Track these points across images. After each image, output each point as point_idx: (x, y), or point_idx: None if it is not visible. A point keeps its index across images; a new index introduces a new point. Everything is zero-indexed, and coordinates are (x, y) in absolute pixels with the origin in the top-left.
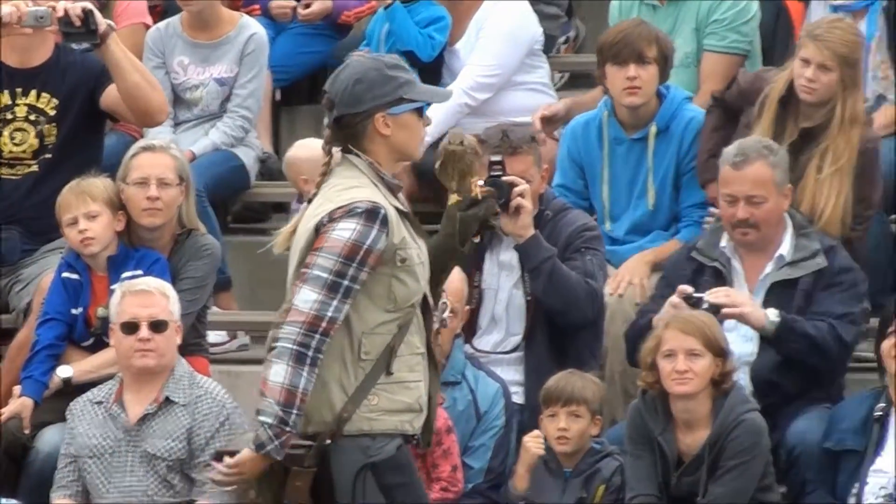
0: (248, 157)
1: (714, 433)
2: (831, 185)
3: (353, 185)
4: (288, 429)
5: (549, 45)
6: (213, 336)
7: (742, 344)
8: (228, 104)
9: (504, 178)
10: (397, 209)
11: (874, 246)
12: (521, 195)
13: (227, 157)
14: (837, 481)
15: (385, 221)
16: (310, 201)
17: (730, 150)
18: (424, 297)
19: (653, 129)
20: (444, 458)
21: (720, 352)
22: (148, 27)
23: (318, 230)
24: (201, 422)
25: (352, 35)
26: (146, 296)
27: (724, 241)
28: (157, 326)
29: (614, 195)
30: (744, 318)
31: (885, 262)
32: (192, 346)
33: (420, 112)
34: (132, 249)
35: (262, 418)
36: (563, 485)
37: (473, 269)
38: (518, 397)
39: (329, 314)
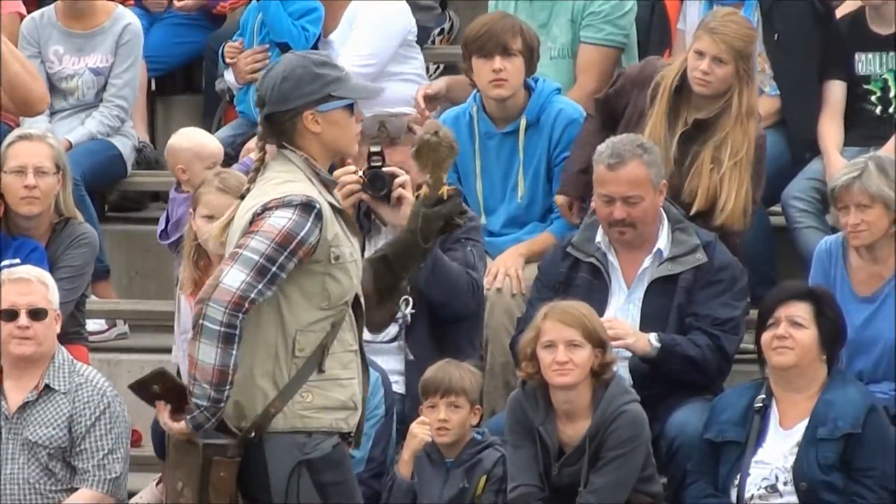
0: (125, 146)
1: (595, 424)
2: (731, 177)
3: (288, 180)
4: (221, 405)
5: (423, 37)
6: (92, 324)
7: None
8: (104, 94)
9: (385, 169)
10: (332, 205)
11: (754, 238)
12: (403, 186)
13: (104, 146)
14: (719, 472)
15: (319, 216)
16: (243, 197)
17: (604, 151)
18: (356, 297)
19: (522, 122)
20: None
21: (600, 342)
22: (23, 17)
23: (253, 220)
24: (82, 409)
25: (226, 25)
26: (25, 284)
27: (599, 237)
28: (36, 315)
29: (488, 189)
30: (629, 349)
31: (765, 255)
32: (72, 334)
33: (351, 109)
34: (10, 238)
35: (196, 401)
36: (445, 475)
37: None
38: (398, 387)
39: (252, 295)
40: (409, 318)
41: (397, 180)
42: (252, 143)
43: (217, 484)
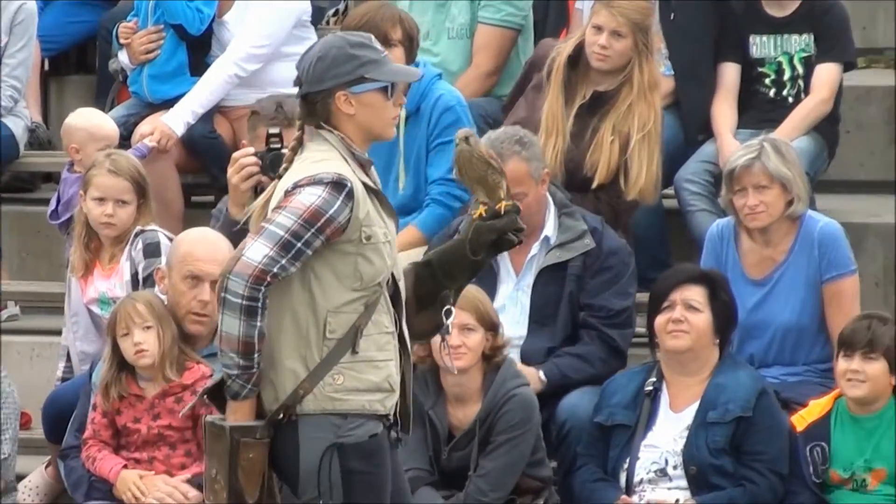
0: (18, 126)
1: (485, 408)
2: (641, 151)
3: (323, 159)
4: (254, 370)
5: (317, 17)
6: None
7: (511, 327)
8: None
9: (283, 150)
10: (366, 185)
11: (646, 221)
12: None
13: None
14: (608, 456)
15: (350, 195)
16: (280, 176)
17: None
18: (394, 279)
19: (402, 113)
20: None
21: (492, 326)
22: None
23: (285, 196)
24: None
25: (120, 5)
26: None
27: None
28: None
29: None
30: None
31: (657, 237)
32: None
33: (386, 92)
34: None
35: (227, 370)
36: None
37: None
38: None
39: (275, 269)
40: (449, 328)
41: None
42: (146, 127)
43: (246, 466)
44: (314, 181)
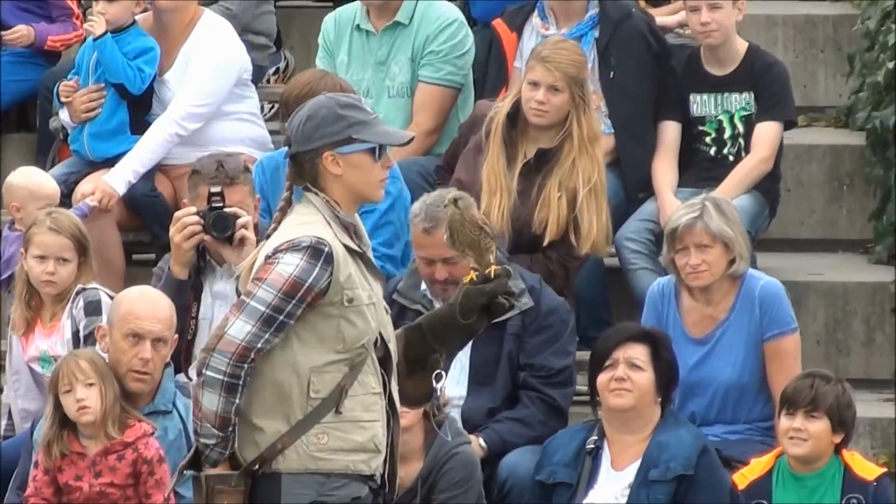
0: None
1: (427, 466)
2: (589, 205)
3: (305, 222)
4: (230, 439)
5: (258, 76)
6: None
7: (451, 387)
8: None
9: (227, 210)
10: (349, 248)
11: (587, 279)
12: (245, 227)
13: None
14: None
15: (329, 259)
16: (268, 237)
17: (418, 214)
18: (384, 340)
19: None
20: (156, 489)
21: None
22: None
23: (266, 260)
24: None
25: (61, 63)
26: None
27: (424, 284)
28: None
29: None
30: None
31: (598, 296)
32: None
33: (374, 153)
34: None
35: (204, 441)
36: None
37: (192, 300)
38: None
39: (258, 345)
40: (443, 392)
41: (239, 221)
42: (87, 186)
43: None
44: (292, 246)
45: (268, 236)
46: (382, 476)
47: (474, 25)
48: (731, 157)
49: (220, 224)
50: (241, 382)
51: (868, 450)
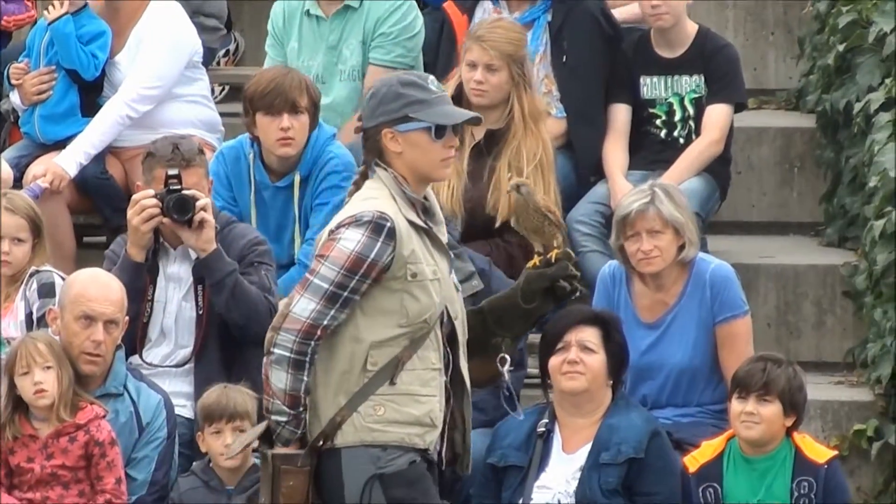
0: None
1: None
2: (536, 182)
3: (371, 197)
4: (302, 417)
5: (208, 58)
6: None
7: None
8: None
9: (186, 192)
10: (413, 223)
11: None
12: (204, 209)
13: None
14: (501, 497)
15: (392, 234)
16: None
17: None
18: (450, 317)
19: (296, 177)
20: (108, 471)
21: None
22: None
23: (329, 235)
24: None
25: (12, 45)
26: None
27: None
28: None
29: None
30: None
31: None
32: None
33: (431, 132)
34: None
35: (276, 418)
36: (227, 502)
37: (148, 283)
38: (187, 411)
39: (325, 322)
40: (507, 376)
41: (198, 203)
42: (38, 168)
43: (287, 493)
44: (354, 221)
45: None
46: (439, 451)
47: (425, 8)
48: (681, 140)
49: (179, 206)
50: (307, 359)
51: (819, 432)
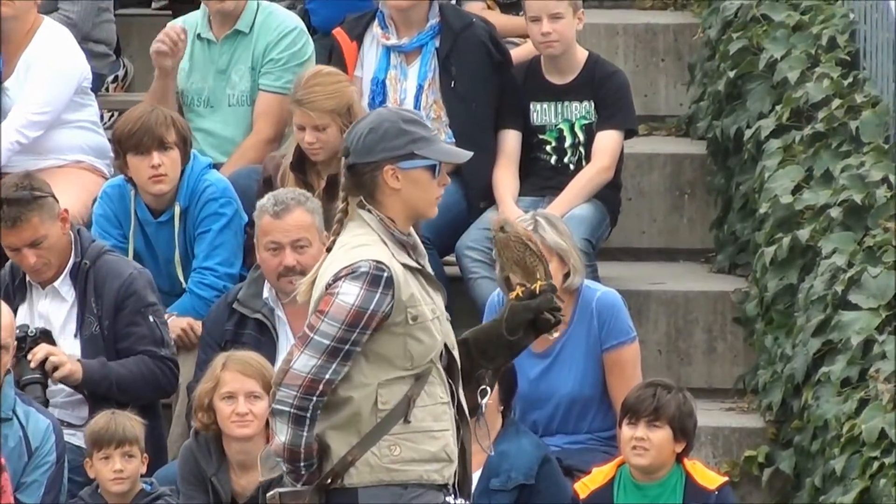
0: None
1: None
2: None
3: (361, 244)
4: (302, 474)
5: (98, 84)
6: None
7: None
8: None
9: (35, 377)
10: (407, 266)
11: None
12: (57, 367)
13: None
14: None
15: (389, 283)
16: (329, 249)
17: (266, 202)
18: (448, 350)
19: (176, 209)
20: None
21: None
22: None
23: (327, 289)
24: None
25: None
26: None
27: (266, 292)
28: None
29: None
30: None
31: None
32: None
33: (434, 171)
34: None
35: (282, 465)
36: None
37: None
38: (78, 440)
39: (327, 377)
40: (484, 408)
41: (56, 375)
42: None
43: None
44: (351, 273)
45: (328, 249)
46: (453, 485)
47: (315, 34)
48: (571, 166)
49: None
50: (308, 415)
51: (710, 458)
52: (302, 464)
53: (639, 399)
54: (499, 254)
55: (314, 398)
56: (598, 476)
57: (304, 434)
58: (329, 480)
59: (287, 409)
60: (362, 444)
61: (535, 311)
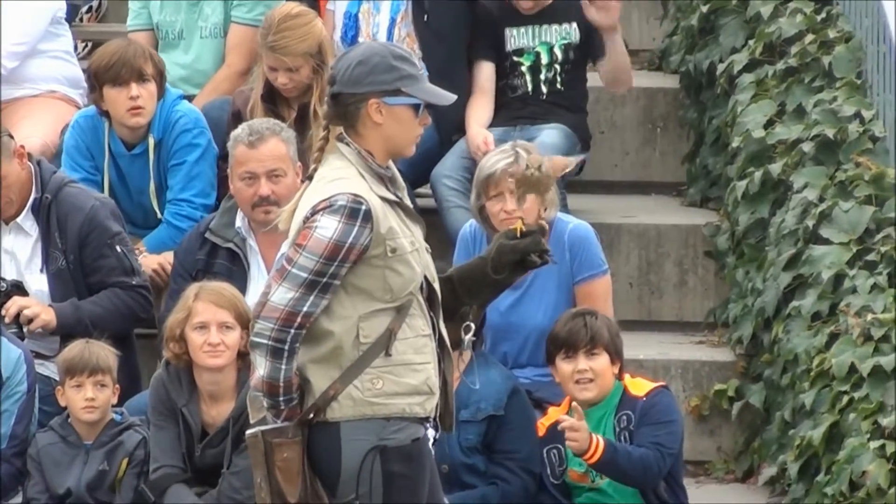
0: None
1: (238, 406)
2: None
3: (339, 177)
4: (282, 409)
5: (72, 14)
6: None
7: None
8: None
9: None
10: (385, 199)
11: None
12: (31, 318)
13: None
14: None
15: (367, 216)
16: (310, 178)
17: (241, 132)
18: (429, 282)
19: (151, 141)
20: None
21: (248, 324)
22: None
23: (305, 222)
24: None
25: None
26: None
27: (239, 221)
28: None
29: (125, 205)
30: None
31: None
32: None
33: (417, 110)
34: None
35: (265, 404)
36: (85, 457)
37: None
38: (49, 370)
39: (305, 309)
40: (469, 344)
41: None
42: None
43: (283, 466)
44: (329, 207)
45: (309, 178)
46: (436, 417)
47: None
48: (544, 93)
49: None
50: (285, 347)
51: (679, 392)
52: (281, 398)
53: (571, 331)
54: (520, 186)
55: (292, 330)
56: (553, 414)
57: (283, 367)
58: (311, 415)
59: (265, 341)
60: (344, 377)
61: (523, 253)
